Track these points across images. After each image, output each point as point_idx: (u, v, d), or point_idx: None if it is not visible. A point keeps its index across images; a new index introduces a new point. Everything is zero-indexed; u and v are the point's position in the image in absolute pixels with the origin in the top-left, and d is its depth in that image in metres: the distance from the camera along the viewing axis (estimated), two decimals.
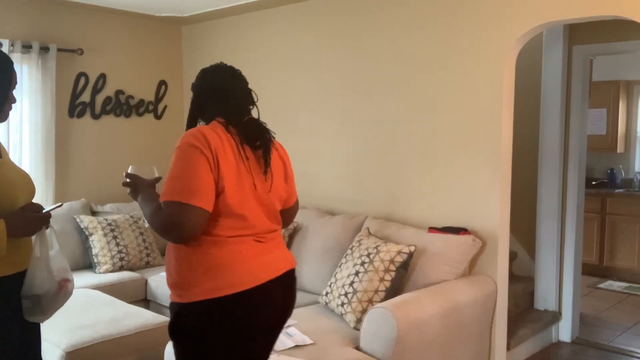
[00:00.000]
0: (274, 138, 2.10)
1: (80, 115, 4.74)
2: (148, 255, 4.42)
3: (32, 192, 2.18)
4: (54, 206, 2.20)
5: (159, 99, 5.22)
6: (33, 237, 2.13)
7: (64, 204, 2.48)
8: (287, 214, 2.21)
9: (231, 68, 2.15)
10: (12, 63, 2.10)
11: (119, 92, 4.95)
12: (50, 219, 2.15)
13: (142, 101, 5.10)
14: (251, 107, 2.13)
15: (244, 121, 2.04)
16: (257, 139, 2.01)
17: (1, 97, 2.05)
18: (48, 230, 2.15)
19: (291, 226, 3.92)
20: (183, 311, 1.92)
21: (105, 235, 4.28)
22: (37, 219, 2.07)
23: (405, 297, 2.98)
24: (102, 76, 4.83)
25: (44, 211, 2.13)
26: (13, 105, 2.12)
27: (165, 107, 5.28)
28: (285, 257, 2.09)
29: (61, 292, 2.16)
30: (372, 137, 3.93)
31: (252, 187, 1.96)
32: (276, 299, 2.00)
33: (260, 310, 1.95)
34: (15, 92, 2.12)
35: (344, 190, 4.11)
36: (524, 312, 4.32)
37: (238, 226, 1.92)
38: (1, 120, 2.08)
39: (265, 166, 2.01)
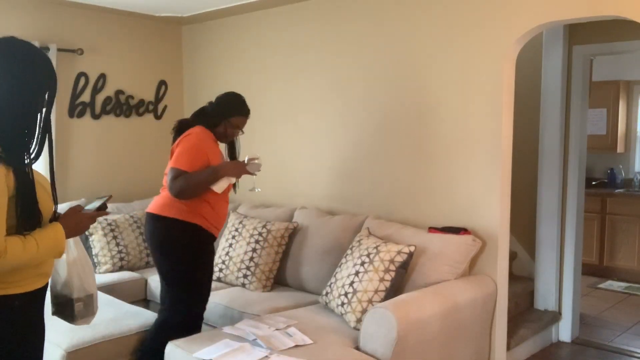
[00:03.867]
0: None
1: (80, 115, 4.74)
2: (148, 255, 4.42)
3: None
4: (99, 203, 2.11)
5: (159, 99, 5.22)
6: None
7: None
8: None
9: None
10: (53, 71, 1.94)
11: (119, 92, 4.95)
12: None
13: (142, 101, 5.10)
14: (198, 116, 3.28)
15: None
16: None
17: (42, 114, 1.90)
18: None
19: (291, 226, 3.94)
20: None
21: (105, 235, 4.28)
22: (89, 218, 2.02)
23: (405, 297, 2.98)
24: (102, 76, 4.83)
25: (90, 209, 2.06)
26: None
27: (165, 107, 5.28)
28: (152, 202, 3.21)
29: None
30: (372, 137, 3.93)
31: None
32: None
33: None
34: None
35: (344, 190, 4.11)
36: (524, 312, 4.32)
37: None
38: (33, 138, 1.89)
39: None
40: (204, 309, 3.22)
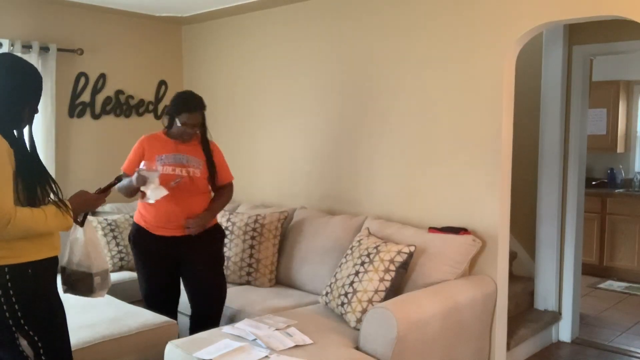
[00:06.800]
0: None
1: (80, 115, 4.74)
2: None
3: None
4: (108, 184, 2.51)
5: (159, 99, 5.22)
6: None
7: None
8: None
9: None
10: (41, 80, 2.22)
11: (119, 92, 4.95)
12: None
13: (142, 101, 5.10)
14: None
15: None
16: None
17: (31, 111, 2.19)
18: (90, 217, 2.46)
19: (282, 216, 4.00)
20: None
21: (105, 235, 4.28)
22: (96, 197, 2.37)
23: (405, 297, 2.98)
24: (102, 76, 4.83)
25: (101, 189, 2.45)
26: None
27: (165, 107, 5.27)
28: None
29: None
30: (373, 137, 3.93)
31: None
32: None
33: None
34: None
35: (344, 190, 4.11)
36: (524, 312, 4.32)
37: None
38: (22, 127, 2.17)
39: None
40: (147, 295, 3.46)
